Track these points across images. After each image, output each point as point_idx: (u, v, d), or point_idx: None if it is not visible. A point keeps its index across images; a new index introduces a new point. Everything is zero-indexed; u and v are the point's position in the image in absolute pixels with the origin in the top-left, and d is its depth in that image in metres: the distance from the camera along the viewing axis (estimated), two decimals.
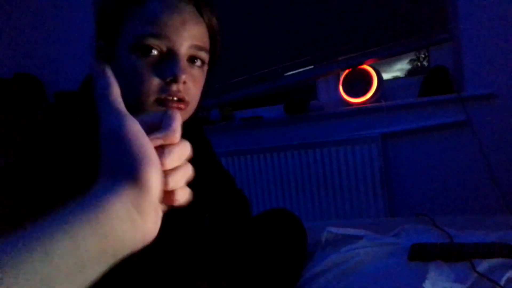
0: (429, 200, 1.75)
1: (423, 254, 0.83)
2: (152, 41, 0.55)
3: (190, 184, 0.75)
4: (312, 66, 1.94)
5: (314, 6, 1.88)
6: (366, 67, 1.84)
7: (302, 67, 1.96)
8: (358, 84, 1.85)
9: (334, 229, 1.00)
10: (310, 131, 1.92)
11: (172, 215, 0.68)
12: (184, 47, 0.57)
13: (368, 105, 1.83)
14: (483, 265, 0.75)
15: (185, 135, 0.74)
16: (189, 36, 0.58)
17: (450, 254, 0.81)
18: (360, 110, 1.84)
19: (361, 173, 1.77)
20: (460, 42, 1.67)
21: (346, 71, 1.87)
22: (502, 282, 0.68)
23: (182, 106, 0.58)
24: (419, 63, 2.18)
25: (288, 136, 1.95)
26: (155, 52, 0.56)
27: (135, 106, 0.58)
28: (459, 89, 1.69)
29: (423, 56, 2.14)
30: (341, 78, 1.89)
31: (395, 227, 1.05)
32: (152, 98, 0.56)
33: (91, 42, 0.64)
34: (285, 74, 1.99)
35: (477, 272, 0.72)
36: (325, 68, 1.93)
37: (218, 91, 2.06)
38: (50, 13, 2.33)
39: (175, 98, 0.57)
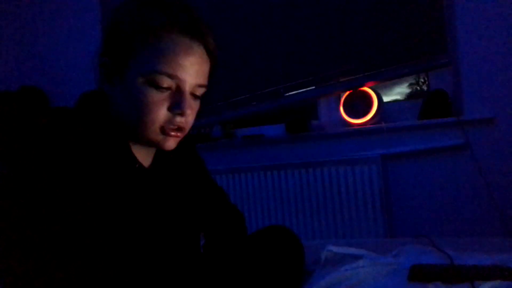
0: (429, 221, 1.75)
1: (423, 275, 0.82)
2: (165, 80, 0.61)
3: (184, 204, 0.76)
4: (314, 87, 1.98)
5: (317, 29, 1.92)
6: (366, 89, 1.87)
7: (304, 88, 1.99)
8: (359, 106, 1.88)
9: (334, 248, 1.00)
10: (310, 150, 1.93)
11: (168, 235, 0.69)
12: (190, 86, 0.64)
13: (368, 126, 1.85)
14: (484, 287, 0.75)
15: (178, 154, 0.76)
16: (196, 76, 0.64)
17: (450, 275, 0.81)
18: (360, 131, 1.86)
19: (361, 193, 1.77)
20: (459, 66, 1.70)
21: (347, 93, 1.90)
22: None
23: (179, 134, 0.65)
24: (418, 87, 2.21)
25: (289, 155, 1.96)
26: (167, 89, 0.62)
27: (138, 129, 0.63)
28: (458, 113, 1.71)
29: (422, 80, 2.17)
30: (342, 99, 1.92)
31: (394, 247, 1.05)
32: (157, 126, 0.63)
33: (94, 56, 0.67)
34: (287, 94, 2.02)
35: None
36: (327, 89, 1.96)
37: (221, 109, 2.08)
38: (57, 27, 2.38)
39: (176, 127, 0.64)
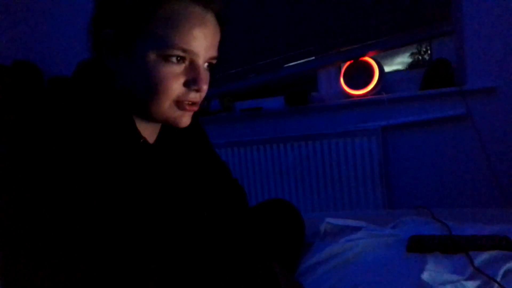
0: (428, 192, 1.76)
1: (422, 246, 0.83)
2: (180, 54, 0.58)
3: (187, 180, 0.75)
4: (313, 57, 1.93)
5: None
6: (367, 59, 1.83)
7: (303, 58, 1.94)
8: (360, 76, 1.84)
9: (333, 220, 1.00)
10: (310, 122, 1.92)
11: (172, 211, 0.68)
12: (204, 59, 0.61)
13: (369, 97, 1.83)
14: (481, 257, 0.75)
15: (182, 129, 0.74)
16: (209, 48, 0.61)
17: (449, 246, 0.81)
18: (361, 102, 1.83)
19: (360, 165, 1.77)
20: (463, 35, 1.66)
21: (348, 63, 1.86)
22: (500, 275, 0.68)
23: (195, 108, 0.63)
24: (420, 57, 2.16)
25: (288, 128, 1.95)
26: (181, 62, 0.59)
27: (151, 106, 0.60)
28: (461, 83, 1.68)
29: (424, 49, 2.12)
30: (343, 70, 1.88)
31: (394, 219, 1.06)
32: (171, 101, 0.60)
33: (90, 25, 0.62)
34: (286, 65, 1.98)
35: (475, 267, 0.72)
36: (327, 60, 1.92)
37: (219, 82, 2.05)
38: (50, 1, 2.30)
39: (190, 102, 0.62)
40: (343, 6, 1.82)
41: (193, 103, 0.62)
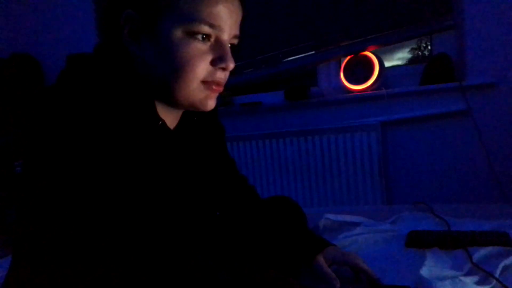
0: (427, 188, 1.76)
1: (420, 241, 0.83)
2: (207, 30, 0.56)
3: (201, 171, 0.73)
4: (313, 52, 1.92)
5: None
6: (368, 53, 1.82)
7: (303, 53, 1.93)
8: (360, 71, 1.83)
9: (331, 216, 1.00)
10: (310, 117, 1.91)
11: (186, 212, 0.66)
12: (229, 36, 0.60)
13: (368, 92, 1.82)
14: (480, 253, 0.75)
15: (202, 118, 0.71)
16: (234, 26, 0.60)
17: (447, 241, 0.81)
18: (360, 97, 1.83)
19: (360, 160, 1.77)
20: (464, 30, 1.65)
21: (348, 58, 1.85)
22: (498, 270, 0.68)
23: (220, 89, 0.61)
24: (420, 52, 2.15)
25: (288, 123, 1.94)
26: (207, 39, 0.58)
27: (177, 88, 0.58)
28: (461, 78, 1.68)
29: (424, 45, 2.12)
30: (343, 65, 1.87)
31: (392, 214, 1.06)
32: (198, 81, 0.58)
33: (104, 10, 0.61)
34: (286, 60, 1.97)
35: (473, 263, 0.72)
36: (327, 54, 1.91)
37: None
38: None
39: (217, 82, 0.60)
40: (344, 0, 1.81)
41: (219, 83, 0.60)
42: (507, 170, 1.63)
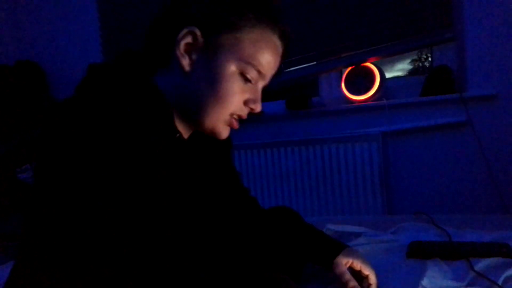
0: (428, 198, 1.76)
1: (421, 252, 0.83)
2: (255, 76, 0.63)
3: (207, 182, 0.74)
4: (315, 63, 1.94)
5: (318, 3, 1.87)
6: (369, 64, 1.83)
7: (305, 63, 1.95)
8: (361, 82, 1.85)
9: (333, 226, 1.00)
10: (311, 127, 1.92)
11: (187, 224, 0.67)
12: (265, 85, 0.67)
13: (369, 103, 1.83)
14: (481, 264, 0.75)
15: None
16: (271, 76, 0.67)
17: (448, 252, 0.81)
18: (361, 107, 1.84)
19: (361, 170, 1.77)
20: (464, 42, 1.66)
21: (349, 68, 1.87)
22: (500, 282, 0.69)
23: (238, 125, 0.67)
24: (420, 64, 2.17)
25: (289, 132, 1.95)
26: (250, 82, 0.63)
27: (209, 110, 0.62)
28: (461, 89, 1.69)
29: (424, 56, 2.14)
30: (344, 75, 1.89)
31: (394, 224, 1.06)
32: (228, 112, 0.63)
33: (162, 22, 0.63)
34: (287, 70, 1.98)
35: (475, 271, 0.72)
36: (328, 65, 1.93)
37: None
38: (53, 1, 2.31)
39: (239, 118, 0.65)
40: (345, 12, 1.84)
41: (240, 119, 0.66)
42: (508, 181, 1.63)
